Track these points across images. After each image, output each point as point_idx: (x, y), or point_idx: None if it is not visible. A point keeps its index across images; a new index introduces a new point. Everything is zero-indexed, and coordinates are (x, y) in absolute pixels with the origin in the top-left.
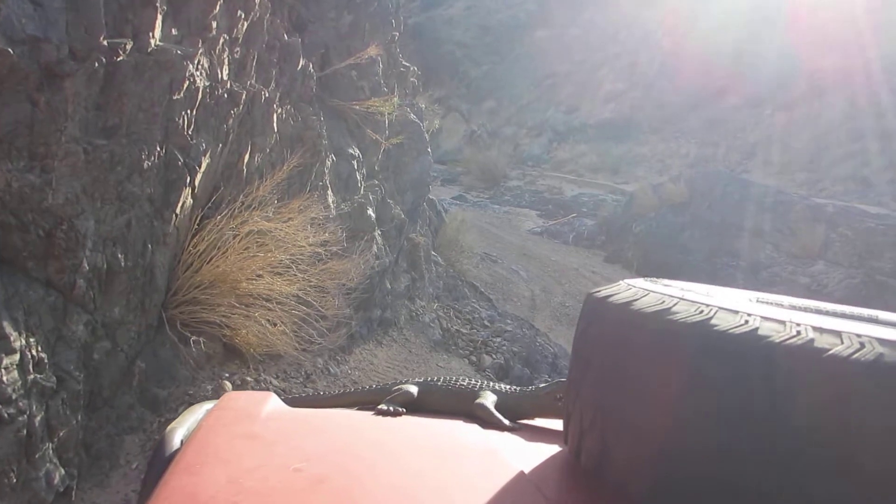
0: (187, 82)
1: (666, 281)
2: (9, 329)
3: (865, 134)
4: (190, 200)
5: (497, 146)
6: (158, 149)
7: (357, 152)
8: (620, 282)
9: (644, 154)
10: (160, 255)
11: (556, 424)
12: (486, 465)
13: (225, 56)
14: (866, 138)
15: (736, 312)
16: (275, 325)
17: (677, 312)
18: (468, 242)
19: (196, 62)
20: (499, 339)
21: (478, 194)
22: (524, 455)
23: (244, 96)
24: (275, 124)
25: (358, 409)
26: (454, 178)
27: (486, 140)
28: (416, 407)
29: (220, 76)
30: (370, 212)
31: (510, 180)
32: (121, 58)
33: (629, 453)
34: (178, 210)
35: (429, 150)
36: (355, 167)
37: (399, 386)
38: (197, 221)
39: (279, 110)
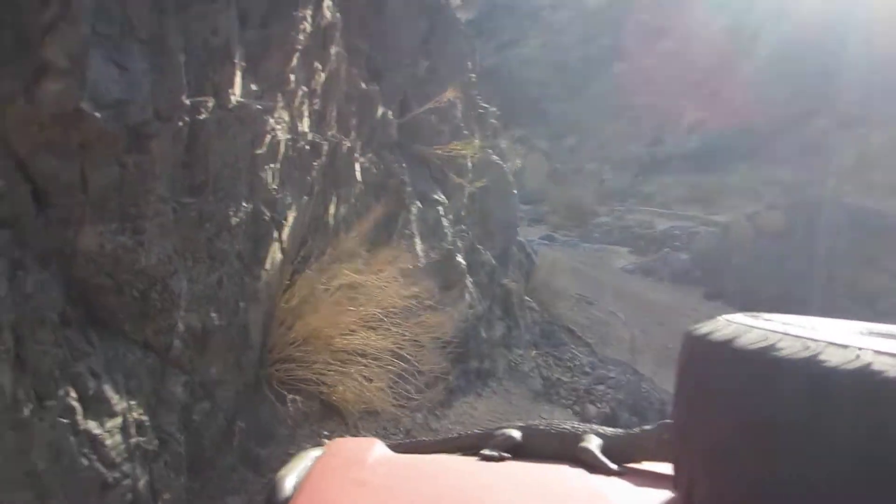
0: (269, 136)
1: (767, 315)
2: (110, 392)
3: None
4: (279, 255)
5: (581, 183)
6: (245, 204)
7: (442, 197)
8: (719, 318)
9: (735, 183)
10: (253, 312)
11: (664, 468)
12: None
13: (304, 108)
14: None
15: (846, 347)
16: (370, 381)
17: (782, 349)
18: (561, 284)
19: (276, 116)
20: (602, 387)
21: (566, 233)
22: (633, 500)
23: (325, 147)
24: (358, 173)
25: (461, 455)
26: (540, 218)
27: (570, 177)
28: (519, 452)
29: (300, 128)
30: (459, 258)
31: (598, 216)
32: (203, 115)
33: (744, 501)
34: (267, 265)
35: (514, 190)
36: (441, 213)
37: (502, 430)
38: (288, 276)
39: (361, 159)
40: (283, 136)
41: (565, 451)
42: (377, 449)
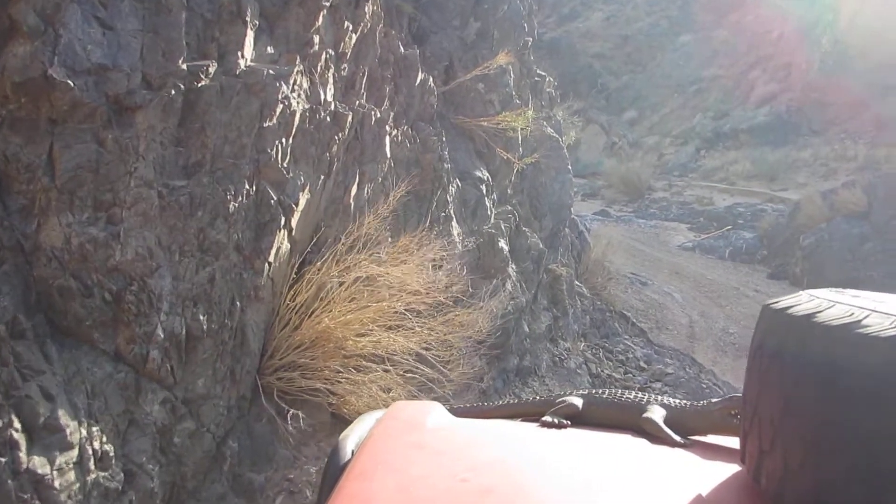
0: (281, 106)
1: (853, 291)
2: (66, 418)
3: None
4: (286, 245)
5: (640, 157)
6: (248, 186)
7: (486, 175)
8: (801, 292)
9: (805, 159)
10: (253, 313)
11: (730, 442)
12: (658, 483)
13: (329, 74)
14: None
15: None
16: (389, 391)
17: (869, 325)
18: (615, 265)
19: (292, 82)
20: (658, 384)
21: (621, 208)
22: (698, 473)
23: (350, 118)
24: (387, 148)
25: (521, 421)
26: (595, 193)
27: (627, 151)
28: (580, 420)
29: (322, 97)
30: (502, 244)
31: (655, 192)
32: (203, 82)
33: (814, 478)
34: (271, 257)
35: (569, 166)
36: (484, 192)
37: (563, 398)
38: (296, 270)
39: (393, 132)
40: (299, 105)
41: (628, 420)
42: (437, 413)
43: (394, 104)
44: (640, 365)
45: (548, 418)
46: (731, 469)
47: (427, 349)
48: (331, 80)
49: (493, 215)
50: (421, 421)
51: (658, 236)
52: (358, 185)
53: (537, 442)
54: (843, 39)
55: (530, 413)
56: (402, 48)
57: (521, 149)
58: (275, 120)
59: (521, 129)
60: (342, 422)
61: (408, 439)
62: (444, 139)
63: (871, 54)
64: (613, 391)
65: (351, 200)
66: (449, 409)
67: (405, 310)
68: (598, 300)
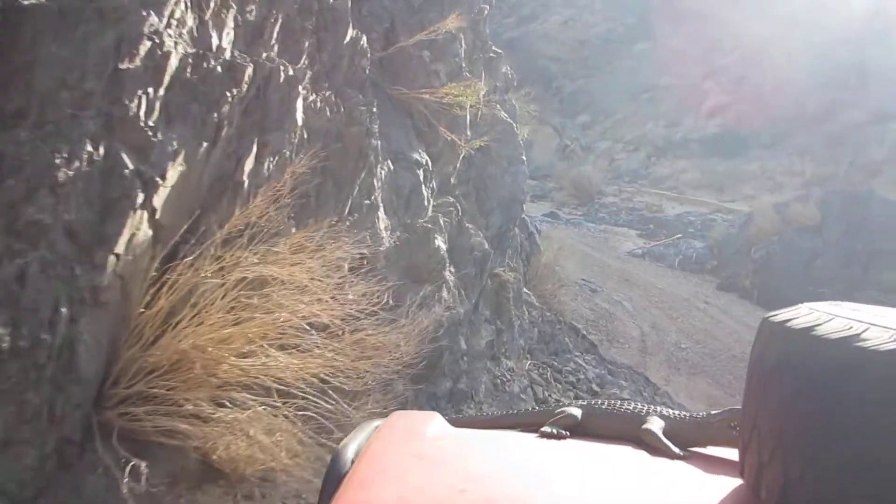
0: (149, 44)
1: (852, 305)
2: None
3: None
4: (145, 232)
5: (591, 161)
6: (91, 149)
7: (425, 158)
8: (801, 305)
9: (753, 171)
10: (88, 324)
11: (729, 454)
12: (657, 494)
13: (229, 15)
14: None
15: None
16: (274, 433)
17: (867, 339)
18: (565, 270)
19: (167, 15)
20: None
21: (570, 211)
22: (697, 485)
23: (251, 72)
24: (299, 114)
25: (520, 431)
26: (545, 194)
27: (579, 155)
28: (579, 431)
29: (215, 42)
30: (439, 242)
31: (605, 196)
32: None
33: (814, 490)
34: (121, 248)
35: (523, 157)
36: (421, 178)
37: (562, 409)
38: (157, 266)
39: (311, 96)
40: (178, 48)
41: (627, 431)
42: (436, 423)
43: (314, 62)
44: (592, 388)
45: (547, 429)
46: (731, 481)
47: (332, 376)
48: (230, 23)
49: (430, 207)
50: (420, 431)
51: (607, 241)
52: (256, 157)
53: (536, 453)
54: (798, 57)
55: (529, 424)
56: None
57: (468, 131)
58: (138, 62)
59: (470, 107)
60: (213, 471)
61: (407, 449)
62: (374, 111)
63: (825, 73)
64: (613, 402)
65: (245, 177)
66: (448, 420)
67: (306, 324)
68: (547, 310)
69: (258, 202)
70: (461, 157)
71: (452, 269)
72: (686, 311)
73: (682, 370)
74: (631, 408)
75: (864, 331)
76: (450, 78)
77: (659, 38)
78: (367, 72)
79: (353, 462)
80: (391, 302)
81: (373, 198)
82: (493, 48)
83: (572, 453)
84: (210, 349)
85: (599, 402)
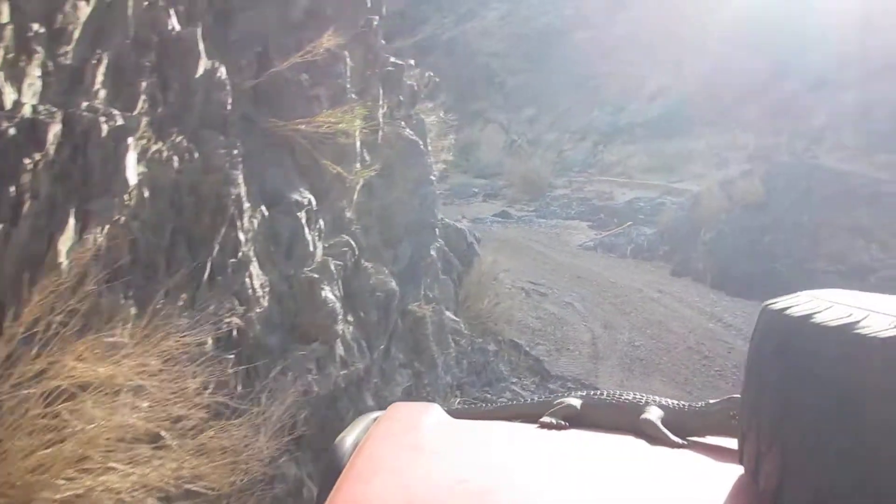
0: None
1: (852, 292)
2: None
3: None
4: None
5: (539, 154)
6: None
7: (308, 198)
8: (800, 292)
9: (699, 149)
10: None
11: (729, 443)
12: (657, 483)
13: (31, 63)
14: None
15: None
16: None
17: (867, 326)
18: (510, 276)
19: None
20: None
21: (522, 207)
22: (697, 474)
23: (57, 130)
24: (131, 171)
25: (520, 422)
26: (496, 193)
27: (526, 149)
28: (578, 421)
29: (9, 98)
30: (328, 293)
31: (556, 189)
32: None
33: (813, 478)
34: None
35: (432, 176)
36: (304, 221)
37: (561, 399)
38: None
39: (155, 146)
40: None
41: (626, 421)
42: (435, 414)
43: (156, 105)
44: None
45: (546, 419)
46: (730, 470)
47: (186, 483)
48: (34, 72)
49: (318, 252)
50: (419, 422)
51: (559, 236)
52: (77, 231)
53: (536, 443)
54: (732, 33)
55: (529, 415)
56: (175, 25)
57: (367, 156)
58: None
59: (364, 130)
60: None
61: (406, 441)
62: (236, 153)
63: (759, 47)
64: (612, 392)
65: (62, 258)
66: (447, 411)
67: (144, 432)
68: (479, 336)
69: (77, 284)
70: (357, 189)
71: (350, 318)
72: (639, 304)
73: (635, 371)
74: (630, 398)
75: (863, 318)
76: (333, 102)
77: (597, 26)
78: (229, 107)
79: (351, 454)
80: (247, 390)
81: (240, 254)
82: (393, 60)
83: (571, 443)
84: (18, 484)
85: (599, 392)
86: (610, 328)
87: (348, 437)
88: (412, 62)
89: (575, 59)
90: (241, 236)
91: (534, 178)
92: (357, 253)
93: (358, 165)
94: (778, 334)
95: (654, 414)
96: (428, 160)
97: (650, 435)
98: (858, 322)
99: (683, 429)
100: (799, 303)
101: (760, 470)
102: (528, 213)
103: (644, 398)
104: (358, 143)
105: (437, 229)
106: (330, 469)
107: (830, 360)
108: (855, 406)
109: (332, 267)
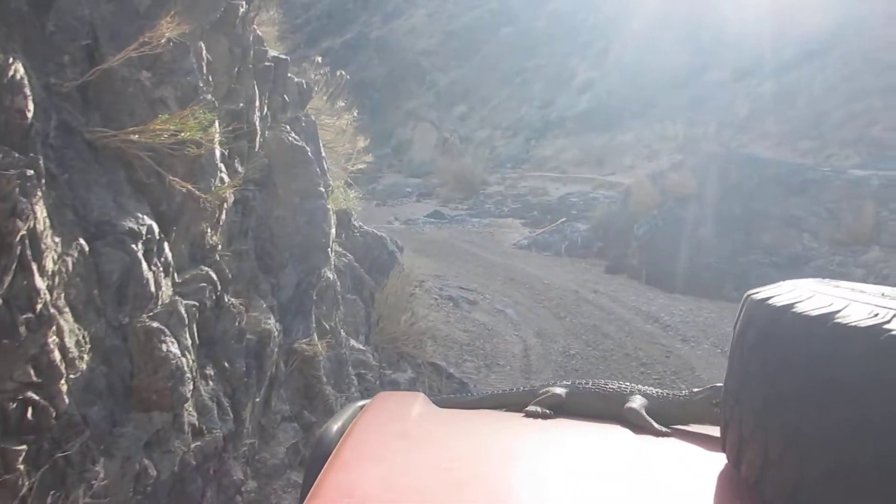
0: None
1: (835, 282)
2: None
3: (867, 92)
4: None
5: (472, 151)
6: None
7: (147, 224)
8: (783, 282)
9: (629, 141)
10: None
11: (711, 431)
12: (641, 471)
13: None
14: (868, 96)
15: None
16: None
17: (847, 316)
18: (441, 282)
19: None
20: None
21: (456, 206)
22: (680, 462)
23: None
24: None
25: (505, 411)
26: (430, 192)
27: (459, 147)
28: (564, 410)
29: None
30: (169, 346)
31: (490, 186)
32: None
33: (794, 466)
34: None
35: (322, 188)
36: (140, 255)
37: (547, 388)
38: None
39: None
40: None
41: (611, 410)
42: (421, 403)
43: None
44: None
45: (532, 408)
46: (713, 458)
47: None
48: None
49: (165, 291)
50: (405, 411)
51: (493, 235)
52: None
53: (521, 432)
54: (655, 24)
55: (514, 404)
56: None
57: (238, 169)
58: None
59: (218, 140)
60: None
61: (392, 429)
62: (39, 173)
63: (682, 37)
64: (597, 381)
65: None
66: (433, 400)
67: None
68: (394, 364)
69: None
70: (223, 207)
71: (211, 371)
72: (575, 307)
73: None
74: (614, 387)
75: (844, 307)
76: (183, 105)
77: (523, 20)
78: (30, 116)
79: (337, 443)
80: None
81: (39, 307)
82: (274, 55)
83: (556, 432)
84: None
85: (584, 381)
86: (543, 336)
87: (334, 426)
88: (319, 59)
89: (503, 55)
90: (41, 283)
91: (467, 176)
92: (220, 288)
93: (224, 179)
94: (760, 324)
95: (638, 403)
96: (315, 169)
97: (634, 424)
98: (839, 311)
99: (667, 417)
100: (781, 292)
101: (742, 458)
102: (462, 213)
103: (629, 387)
104: (218, 153)
105: (329, 248)
106: (316, 457)
107: (812, 350)
108: (836, 395)
109: (183, 309)
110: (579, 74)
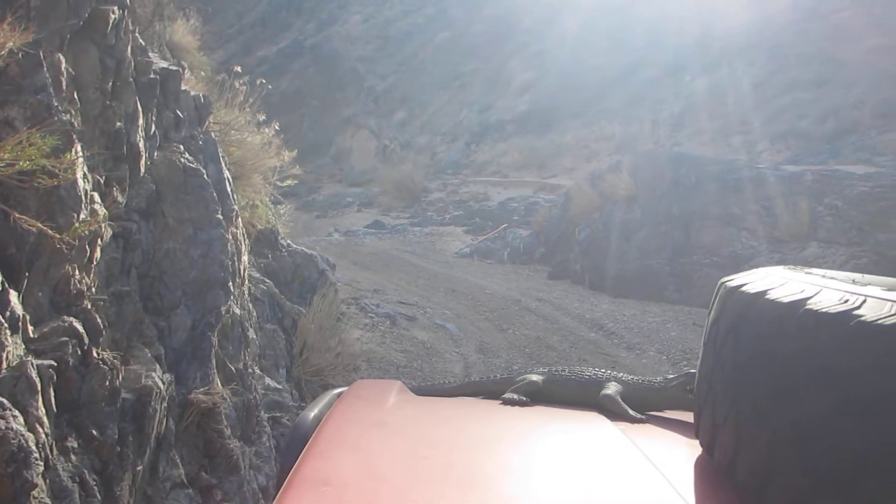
0: None
1: (807, 269)
2: None
3: (793, 86)
4: None
5: (412, 158)
6: None
7: None
8: (756, 269)
9: (568, 143)
10: None
11: (686, 417)
12: (615, 457)
13: None
14: (795, 90)
15: (885, 301)
16: None
17: (818, 302)
18: (379, 298)
19: None
20: None
21: (398, 215)
22: (653, 447)
23: None
24: None
25: (483, 399)
26: (371, 201)
27: (399, 154)
28: (540, 397)
29: None
30: (12, 422)
31: (431, 193)
32: None
33: (765, 451)
34: None
35: (219, 215)
36: None
37: (524, 376)
38: None
39: None
40: None
41: (587, 397)
42: (398, 391)
43: None
44: None
45: (508, 396)
46: (685, 442)
47: None
48: None
49: (9, 353)
50: (382, 399)
51: (434, 244)
52: None
53: (498, 419)
54: (589, 23)
55: (492, 391)
56: None
57: (118, 199)
58: None
59: (81, 167)
60: None
61: (369, 417)
62: None
63: (615, 35)
64: (573, 368)
65: None
66: (411, 388)
67: None
68: (311, 402)
69: None
70: (97, 244)
71: (74, 443)
72: (518, 317)
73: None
74: (591, 374)
75: (815, 293)
76: (36, 125)
77: (460, 25)
78: None
79: (314, 430)
80: None
81: None
82: (163, 67)
83: (532, 419)
84: None
85: (560, 368)
86: (485, 352)
87: (311, 413)
88: (239, 69)
89: (440, 60)
90: None
91: (408, 184)
92: (88, 341)
93: (96, 211)
94: (733, 310)
95: (613, 389)
96: (212, 193)
97: (610, 410)
98: (811, 298)
99: (642, 404)
100: (754, 279)
101: (715, 443)
102: (404, 221)
103: (605, 374)
104: (82, 183)
105: (230, 283)
106: (292, 444)
107: (783, 335)
108: (805, 380)
109: (35, 373)
110: (517, 77)
